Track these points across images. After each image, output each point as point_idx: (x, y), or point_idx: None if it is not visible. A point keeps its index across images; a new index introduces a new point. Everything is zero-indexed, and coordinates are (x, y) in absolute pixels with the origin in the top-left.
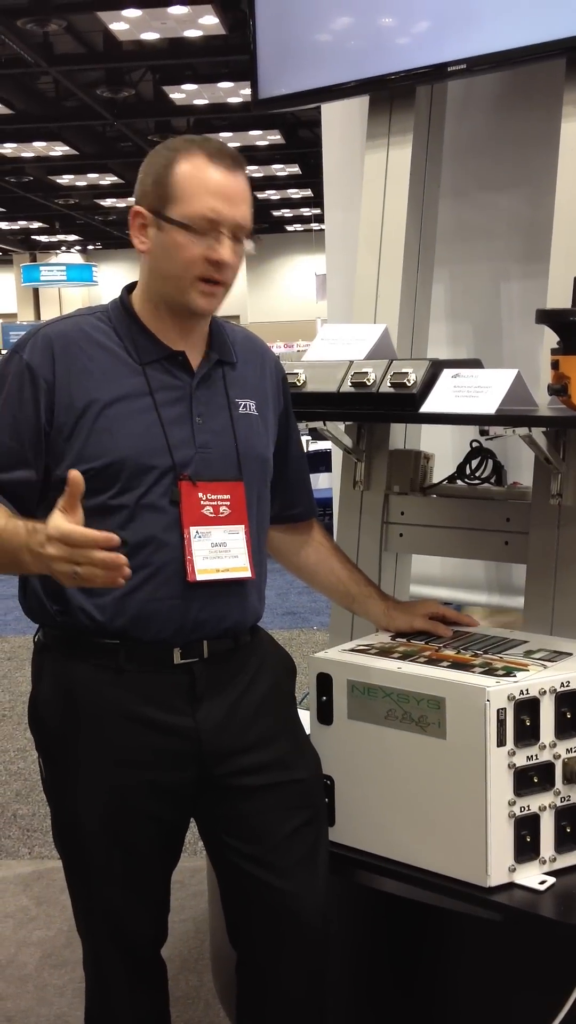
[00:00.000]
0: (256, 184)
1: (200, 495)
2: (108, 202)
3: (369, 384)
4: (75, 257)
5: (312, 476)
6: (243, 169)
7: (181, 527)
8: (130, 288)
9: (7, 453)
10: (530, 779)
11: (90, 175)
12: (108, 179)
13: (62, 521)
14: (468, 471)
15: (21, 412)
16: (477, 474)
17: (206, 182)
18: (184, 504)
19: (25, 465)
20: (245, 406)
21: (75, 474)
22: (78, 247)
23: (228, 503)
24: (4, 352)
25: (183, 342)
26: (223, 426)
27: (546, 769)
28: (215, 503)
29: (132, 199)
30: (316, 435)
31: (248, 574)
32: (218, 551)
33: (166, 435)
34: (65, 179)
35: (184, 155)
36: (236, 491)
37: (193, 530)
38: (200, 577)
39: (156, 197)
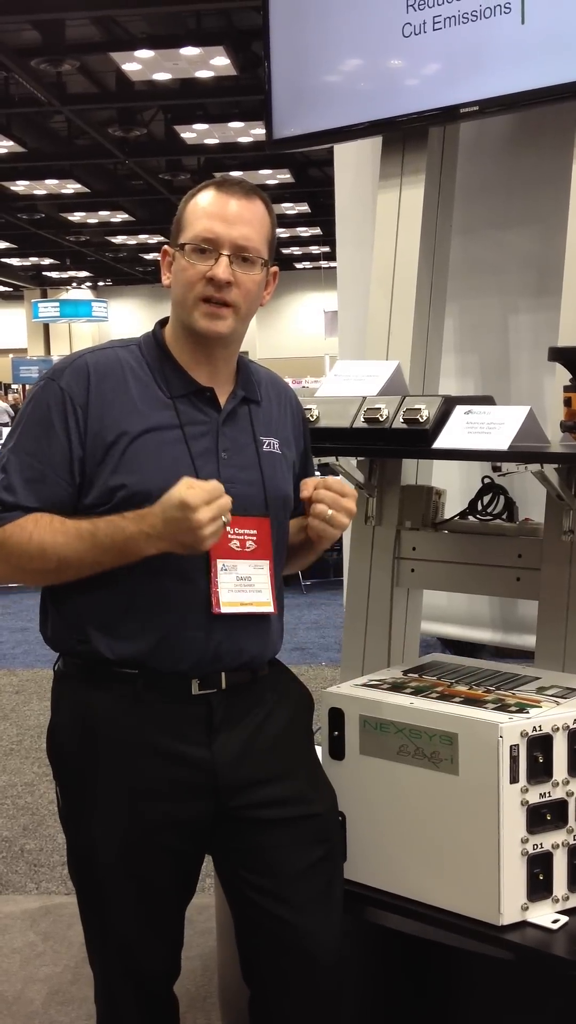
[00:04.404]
0: None
1: (228, 529)
2: (119, 239)
3: (382, 420)
4: (86, 293)
5: None
6: (254, 197)
7: (208, 559)
8: (163, 323)
9: (39, 478)
10: (543, 816)
11: (101, 212)
12: (119, 216)
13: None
14: (480, 507)
15: (51, 437)
16: (489, 510)
17: (206, 207)
18: None
19: (55, 488)
20: (269, 444)
21: None
22: (88, 283)
23: (254, 538)
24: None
25: (211, 378)
26: (249, 462)
27: (559, 807)
28: (242, 537)
29: (143, 236)
30: (328, 470)
31: (270, 609)
32: (243, 585)
33: (195, 468)
34: (76, 216)
35: (199, 190)
36: (263, 527)
37: (220, 563)
38: (224, 609)
39: (174, 232)
